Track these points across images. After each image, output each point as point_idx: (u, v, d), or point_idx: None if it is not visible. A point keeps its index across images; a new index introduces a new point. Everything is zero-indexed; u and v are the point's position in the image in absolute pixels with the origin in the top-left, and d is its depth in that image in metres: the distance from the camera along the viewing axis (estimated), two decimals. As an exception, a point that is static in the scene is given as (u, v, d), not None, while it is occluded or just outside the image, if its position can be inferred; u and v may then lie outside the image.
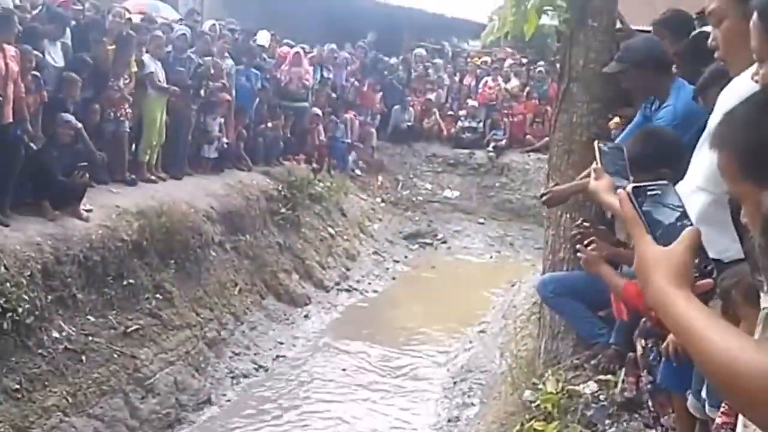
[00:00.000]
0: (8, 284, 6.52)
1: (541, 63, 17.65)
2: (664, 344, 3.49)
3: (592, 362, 5.26)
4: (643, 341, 3.88)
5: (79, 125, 8.39)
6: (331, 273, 12.22)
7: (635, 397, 4.46)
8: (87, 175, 8.24)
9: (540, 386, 5.24)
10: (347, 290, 12.08)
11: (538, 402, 5.08)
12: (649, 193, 1.52)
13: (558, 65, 6.52)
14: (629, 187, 1.53)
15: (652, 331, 3.76)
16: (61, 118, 8.27)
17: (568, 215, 5.79)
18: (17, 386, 6.22)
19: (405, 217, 16.02)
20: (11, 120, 7.40)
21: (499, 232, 15.83)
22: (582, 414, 4.76)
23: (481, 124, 17.54)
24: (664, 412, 3.91)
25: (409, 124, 17.54)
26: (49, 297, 7.06)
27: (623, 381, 4.65)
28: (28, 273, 6.90)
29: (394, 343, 10.12)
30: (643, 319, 3.87)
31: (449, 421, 7.76)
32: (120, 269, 8.05)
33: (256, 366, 9.11)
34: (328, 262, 12.35)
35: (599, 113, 5.79)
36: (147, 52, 10.10)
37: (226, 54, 11.74)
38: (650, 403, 4.02)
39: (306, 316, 10.78)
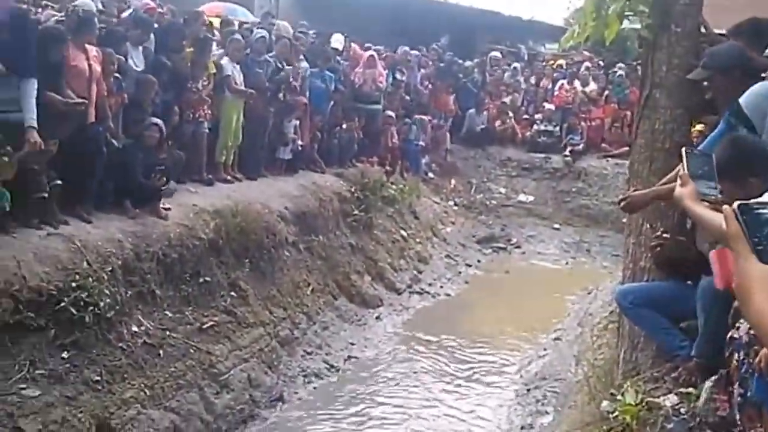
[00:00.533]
0: (90, 279, 6.71)
1: (621, 66, 17.27)
2: (757, 358, 3.36)
3: (673, 375, 5.08)
4: (736, 354, 3.73)
5: (164, 128, 8.58)
6: (403, 275, 12.20)
7: (728, 416, 4.27)
8: (167, 179, 8.42)
9: (618, 397, 5.09)
10: (419, 293, 12.04)
11: (616, 413, 4.93)
12: (755, 211, 1.49)
13: (639, 70, 6.36)
14: (736, 204, 1.50)
15: (744, 345, 3.61)
16: (149, 121, 8.48)
17: (648, 224, 5.64)
18: (98, 378, 6.38)
19: (478, 221, 15.91)
20: (94, 120, 7.61)
21: (574, 237, 15.56)
22: (662, 427, 4.60)
23: (557, 128, 17.31)
24: (751, 426, 3.74)
25: (484, 127, 17.44)
26: (129, 292, 7.24)
27: (711, 398, 4.46)
28: (110, 269, 7.09)
29: (465, 347, 10.03)
30: (733, 333, 3.73)
31: (522, 428, 7.63)
32: (197, 267, 8.20)
33: (327, 366, 9.15)
34: (400, 265, 12.34)
35: (682, 120, 5.63)
36: (226, 55, 10.28)
37: (302, 57, 11.85)
38: (738, 417, 3.85)
39: (378, 318, 10.79)
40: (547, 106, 17.60)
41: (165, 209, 8.33)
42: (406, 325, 10.91)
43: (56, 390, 5.99)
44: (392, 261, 12.20)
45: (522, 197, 16.67)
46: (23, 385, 5.80)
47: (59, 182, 7.20)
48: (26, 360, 5.99)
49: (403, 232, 13.08)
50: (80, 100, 7.36)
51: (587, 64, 18.11)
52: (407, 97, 15.49)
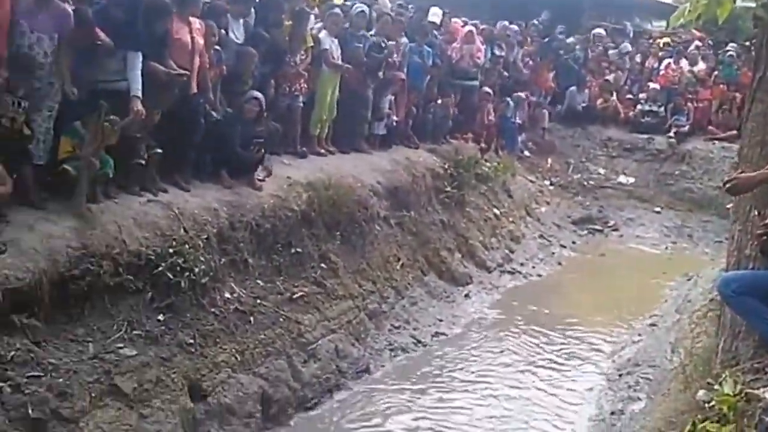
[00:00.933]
0: (187, 246, 6.91)
1: (732, 46, 16.44)
2: None
3: (775, 367, 4.83)
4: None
5: (263, 102, 8.68)
6: (494, 254, 12.06)
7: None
8: (263, 151, 8.55)
9: (716, 387, 4.87)
10: (510, 272, 11.88)
11: (713, 403, 4.73)
12: None
13: (753, 51, 6.00)
14: None
15: None
16: (250, 95, 8.58)
17: (756, 210, 5.35)
18: (191, 341, 6.58)
19: (575, 202, 15.54)
20: (195, 91, 7.79)
21: (676, 222, 15.02)
22: (760, 419, 4.37)
23: (662, 109, 16.68)
24: None
25: (585, 105, 16.96)
26: (223, 260, 7.42)
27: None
28: (205, 236, 7.28)
29: (556, 328, 9.84)
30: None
31: (612, 414, 7.43)
32: (288, 238, 8.32)
33: (414, 341, 9.16)
34: (491, 243, 12.20)
35: (797, 103, 5.30)
36: (324, 28, 10.32)
37: (403, 33, 11.78)
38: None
39: (467, 296, 10.71)
40: (652, 85, 16.96)
41: (260, 180, 8.48)
42: (496, 304, 10.80)
43: (152, 350, 6.21)
44: (484, 239, 12.07)
45: (622, 178, 16.17)
46: (121, 345, 6.04)
47: (159, 151, 7.42)
48: (124, 321, 6.23)
49: (495, 211, 12.91)
50: (182, 72, 7.54)
51: (697, 42, 17.33)
52: (505, 74, 15.21)
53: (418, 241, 10.72)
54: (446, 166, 12.06)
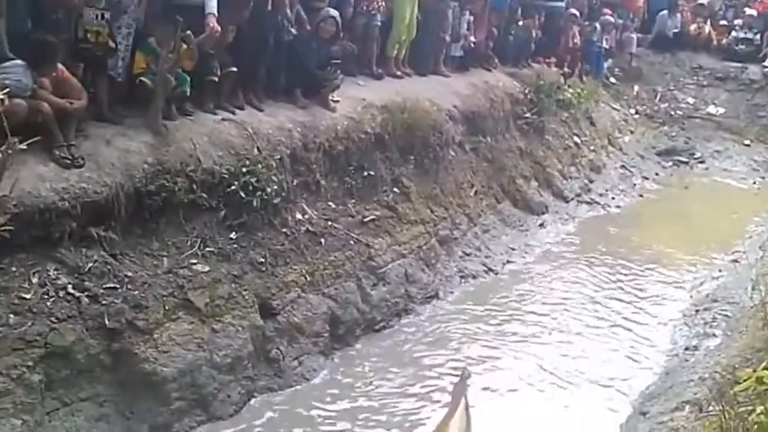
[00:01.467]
0: (260, 165, 6.91)
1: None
2: None
3: None
4: None
5: (340, 22, 8.50)
6: (572, 183, 11.77)
7: None
8: (339, 72, 8.42)
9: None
10: (588, 203, 11.61)
11: (791, 341, 4.53)
12: None
13: None
14: None
15: None
16: (326, 13, 8.38)
17: None
18: (262, 259, 6.65)
19: (660, 132, 14.97)
20: (270, 7, 7.67)
21: (766, 156, 14.33)
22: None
23: (757, 36, 15.79)
24: None
25: (676, 31, 16.15)
26: (295, 181, 7.42)
27: None
28: (278, 157, 7.27)
29: (632, 261, 9.61)
30: None
31: (686, 349, 7.25)
32: (361, 160, 8.26)
33: (485, 268, 9.08)
34: (570, 172, 11.89)
35: None
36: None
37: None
38: None
39: (541, 225, 10.52)
40: (748, 11, 16.05)
41: (334, 101, 8.38)
42: (571, 234, 10.59)
43: (224, 267, 6.31)
44: (562, 168, 11.77)
45: (711, 109, 15.45)
46: (194, 261, 6.15)
47: (233, 69, 7.38)
48: (198, 237, 6.33)
49: (576, 139, 12.54)
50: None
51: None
52: (593, -5, 14.55)
53: (493, 167, 10.51)
54: (526, 91, 11.70)
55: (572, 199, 11.47)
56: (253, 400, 6.04)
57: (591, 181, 12.16)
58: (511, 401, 6.37)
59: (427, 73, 10.59)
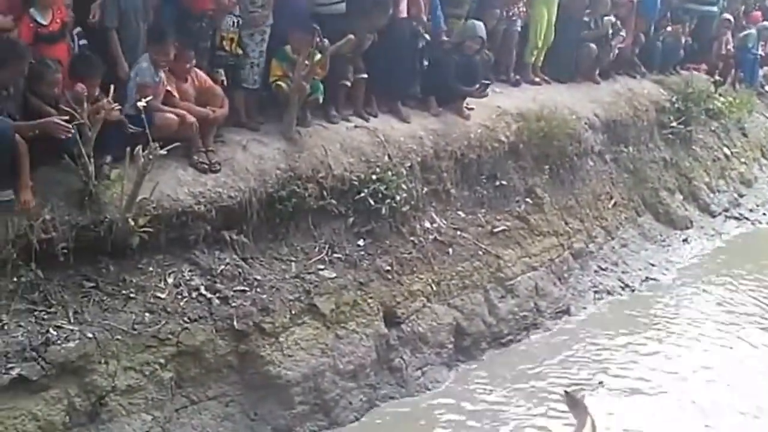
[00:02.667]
0: (390, 173, 6.92)
1: None
2: None
3: None
4: None
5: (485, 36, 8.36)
6: (720, 197, 11.09)
7: None
8: (484, 85, 8.32)
9: None
10: (736, 218, 10.91)
11: None
12: None
13: None
14: None
15: None
16: (474, 31, 8.21)
17: None
18: (389, 267, 6.65)
19: (820, 144, 13.85)
20: (406, 14, 7.67)
21: None
22: None
23: None
24: None
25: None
26: (425, 189, 7.38)
27: None
28: (409, 164, 7.26)
29: (785, 285, 8.93)
30: None
31: None
32: (494, 169, 8.11)
33: (622, 284, 8.69)
34: (718, 185, 11.21)
35: None
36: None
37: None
38: None
39: (685, 240, 9.96)
40: None
41: (468, 109, 8.28)
42: (717, 251, 9.98)
43: (350, 274, 6.35)
44: (709, 180, 11.11)
45: None
46: (321, 266, 6.23)
47: (365, 76, 7.41)
48: (326, 243, 6.41)
49: (726, 150, 11.80)
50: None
51: None
52: (750, -1, 13.69)
53: (634, 179, 10.06)
54: (673, 100, 11.10)
55: (719, 213, 10.81)
56: (374, 408, 6.03)
57: (741, 196, 11.42)
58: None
59: (566, 80, 10.26)
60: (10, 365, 4.38)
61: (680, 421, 6.13)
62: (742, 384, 6.73)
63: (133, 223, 5.16)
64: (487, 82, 8.40)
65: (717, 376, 6.87)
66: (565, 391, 6.28)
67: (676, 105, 11.06)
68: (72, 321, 4.78)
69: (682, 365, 7.03)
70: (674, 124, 10.90)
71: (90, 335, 4.77)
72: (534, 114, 8.76)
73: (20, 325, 4.59)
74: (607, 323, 7.83)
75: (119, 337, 4.88)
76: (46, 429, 4.42)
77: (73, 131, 4.93)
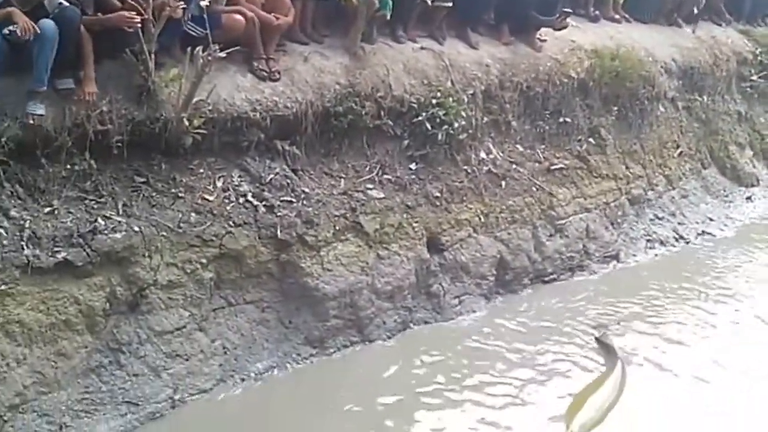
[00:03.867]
0: (450, 99, 6.81)
1: None
2: None
3: None
4: None
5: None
6: (793, 158, 10.65)
7: None
8: (566, 17, 8.03)
9: None
10: (806, 181, 10.48)
11: None
12: None
13: None
14: None
15: None
16: None
17: None
18: (438, 194, 6.61)
19: None
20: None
21: None
22: None
23: None
24: None
25: None
26: (485, 118, 7.24)
27: None
28: (471, 92, 7.12)
29: None
30: None
31: None
32: (559, 105, 7.90)
33: (676, 236, 8.50)
34: (792, 145, 10.75)
35: None
36: None
37: None
38: None
39: (748, 198, 9.64)
40: None
41: (541, 40, 8.03)
42: (783, 212, 9.64)
43: (398, 196, 6.33)
44: (784, 139, 10.66)
45: None
46: (370, 186, 6.23)
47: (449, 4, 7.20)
48: (378, 164, 6.39)
49: (805, 110, 11.26)
50: None
51: None
52: None
53: (705, 129, 9.71)
54: (757, 52, 10.56)
55: (790, 174, 10.40)
56: (408, 330, 6.10)
57: (815, 159, 10.93)
58: (668, 390, 5.71)
59: (648, 21, 9.83)
60: (57, 249, 4.53)
61: (702, 381, 5.87)
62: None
63: (187, 123, 5.21)
64: (568, 11, 8.09)
65: (759, 339, 6.62)
66: (596, 337, 6.25)
67: (759, 58, 10.55)
68: (120, 213, 4.90)
69: (723, 326, 6.79)
70: (755, 77, 10.43)
71: (136, 228, 4.89)
72: (609, 52, 8.46)
73: (70, 212, 4.72)
74: (656, 273, 7.68)
75: (164, 233, 5.00)
76: (86, 313, 4.60)
77: (139, 24, 4.96)
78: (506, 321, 6.46)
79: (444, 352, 5.87)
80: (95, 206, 4.85)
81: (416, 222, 6.35)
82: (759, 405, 5.49)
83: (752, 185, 9.84)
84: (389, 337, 5.96)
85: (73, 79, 4.95)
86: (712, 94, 9.88)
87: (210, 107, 5.40)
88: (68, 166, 4.84)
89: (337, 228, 5.83)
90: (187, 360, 4.99)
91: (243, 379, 5.24)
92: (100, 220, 4.79)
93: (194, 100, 5.22)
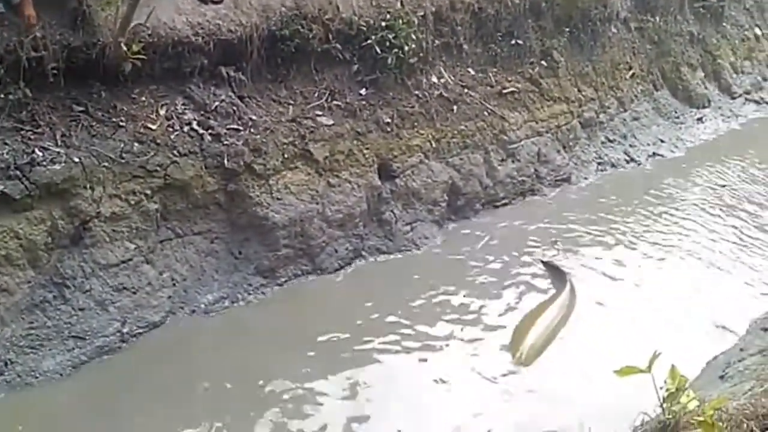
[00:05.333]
0: (400, 21, 6.65)
1: None
2: None
3: None
4: None
5: None
6: (743, 79, 10.75)
7: None
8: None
9: None
10: (756, 102, 10.62)
11: None
12: None
13: None
14: None
15: None
16: None
17: None
18: (389, 120, 6.51)
19: None
20: None
21: None
22: None
23: None
24: None
25: None
26: (436, 42, 7.12)
27: None
28: (422, 14, 6.96)
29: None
30: None
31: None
32: (511, 27, 7.79)
33: (627, 158, 8.58)
34: (743, 66, 10.84)
35: None
36: None
37: None
38: None
39: (699, 120, 9.74)
40: None
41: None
42: (731, 134, 9.78)
43: (348, 123, 6.23)
44: (735, 60, 10.73)
45: None
46: (319, 113, 6.10)
47: None
48: (326, 89, 6.25)
49: (757, 30, 11.31)
50: None
51: None
52: None
53: (657, 51, 9.71)
54: (711, -30, 10.54)
55: (740, 95, 10.52)
56: (359, 259, 6.08)
57: (765, 79, 11.06)
58: (617, 306, 5.74)
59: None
60: (-7, 182, 4.37)
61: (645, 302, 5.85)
62: (725, 270, 6.47)
63: (125, 49, 5.00)
64: None
65: (689, 255, 6.65)
66: (543, 261, 6.28)
67: (713, -24, 10.50)
68: (59, 144, 4.73)
69: (669, 246, 6.84)
70: (707, -3, 10.40)
71: (76, 159, 4.73)
72: (561, -29, 8.32)
73: (6, 143, 4.53)
74: (605, 194, 7.77)
75: (106, 164, 4.84)
76: (27, 248, 4.48)
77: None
78: (459, 248, 6.46)
79: (397, 282, 5.86)
80: (32, 137, 4.67)
81: (367, 149, 6.26)
82: (702, 313, 5.58)
83: (703, 106, 9.93)
84: (341, 266, 5.93)
85: (2, 3, 4.69)
86: (665, 15, 9.85)
87: (149, 31, 5.19)
88: (2, 96, 4.62)
89: (286, 156, 5.72)
90: (134, 293, 4.92)
91: (193, 311, 5.18)
92: (37, 151, 4.62)
93: (132, 23, 5.00)
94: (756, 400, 2.82)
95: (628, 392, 3.25)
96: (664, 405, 2.75)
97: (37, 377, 4.42)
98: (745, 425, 2.61)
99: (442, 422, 4.35)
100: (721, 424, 2.55)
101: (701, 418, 2.54)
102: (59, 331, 4.57)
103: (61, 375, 4.48)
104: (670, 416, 2.70)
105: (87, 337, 4.64)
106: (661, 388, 2.75)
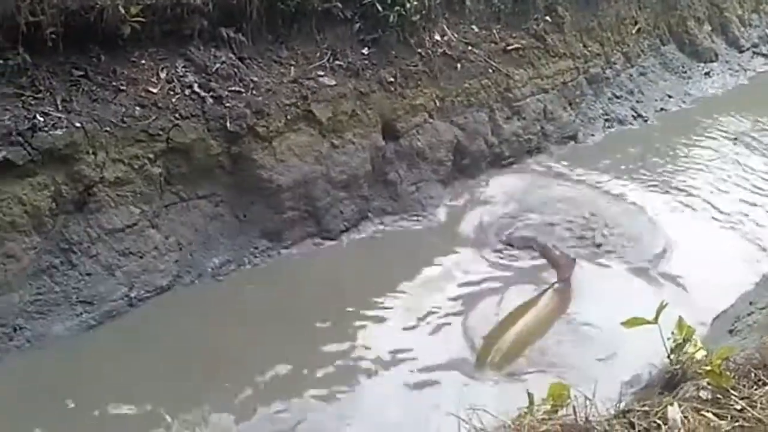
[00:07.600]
0: (401, -23, 6.54)
1: None
2: None
3: None
4: None
5: None
6: (751, 32, 10.60)
7: None
8: None
9: None
10: (764, 55, 10.49)
11: None
12: None
13: None
14: None
15: None
16: None
17: None
18: (392, 79, 6.44)
19: None
20: None
21: None
22: None
23: None
24: None
25: None
26: (438, -1, 7.02)
27: None
28: (424, -32, 6.85)
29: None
30: None
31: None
32: (515, -18, 7.68)
33: (634, 114, 8.51)
34: (751, 20, 10.68)
35: None
36: None
37: None
38: None
39: (707, 74, 9.63)
40: None
41: None
42: (739, 88, 9.66)
43: (351, 83, 6.15)
44: (742, 13, 10.57)
45: None
46: (321, 73, 6.02)
47: None
48: (328, 49, 6.17)
49: (766, -19, 11.13)
50: None
51: None
52: None
53: (663, 5, 9.56)
54: None
55: (747, 49, 10.39)
56: (365, 220, 6.06)
57: (774, 32, 10.90)
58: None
59: None
60: (-5, 148, 4.35)
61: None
62: (732, 224, 6.44)
63: (124, 12, 4.93)
64: None
65: (703, 218, 6.52)
66: (539, 248, 5.83)
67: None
68: (60, 108, 4.69)
69: (683, 194, 6.86)
70: (716, -52, 10.22)
71: (78, 124, 4.69)
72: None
73: (6, 109, 4.50)
74: (612, 151, 7.71)
75: (108, 128, 4.81)
76: (32, 213, 4.47)
77: None
78: (465, 208, 6.42)
79: (403, 242, 5.85)
80: (33, 102, 4.63)
81: (370, 109, 6.20)
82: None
83: (710, 60, 9.81)
84: (347, 228, 5.91)
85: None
86: (671, -33, 9.68)
87: (147, -6, 5.12)
88: (1, 61, 4.58)
89: (289, 117, 5.66)
90: (141, 257, 4.91)
91: (200, 275, 5.19)
92: (38, 116, 4.58)
93: (129, -14, 4.94)
94: (764, 350, 2.81)
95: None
96: (671, 356, 2.74)
97: (46, 342, 4.44)
98: (753, 374, 2.60)
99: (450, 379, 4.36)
100: (728, 373, 2.54)
101: (708, 368, 2.53)
102: (67, 297, 4.58)
103: (70, 340, 4.50)
104: (678, 366, 2.70)
105: (95, 302, 4.65)
106: (668, 338, 2.75)
